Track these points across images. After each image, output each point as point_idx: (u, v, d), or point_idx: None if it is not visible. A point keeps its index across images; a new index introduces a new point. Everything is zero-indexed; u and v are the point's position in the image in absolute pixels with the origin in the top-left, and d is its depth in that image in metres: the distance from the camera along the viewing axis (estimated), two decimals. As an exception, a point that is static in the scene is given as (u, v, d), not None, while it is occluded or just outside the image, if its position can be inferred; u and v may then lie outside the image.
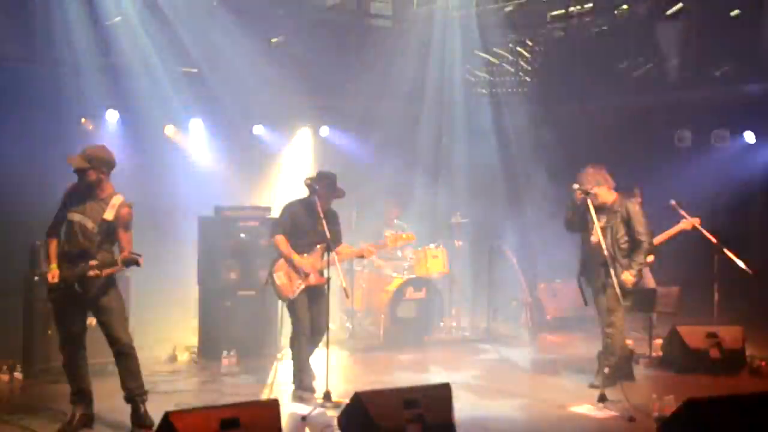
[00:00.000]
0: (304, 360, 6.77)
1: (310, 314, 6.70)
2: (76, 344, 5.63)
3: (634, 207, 6.97)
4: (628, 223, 6.88)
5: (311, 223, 6.65)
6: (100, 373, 6.79)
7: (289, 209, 6.86)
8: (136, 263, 5.36)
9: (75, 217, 5.50)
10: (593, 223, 6.73)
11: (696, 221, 8.36)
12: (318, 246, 6.68)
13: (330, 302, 6.49)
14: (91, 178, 5.47)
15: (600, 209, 6.91)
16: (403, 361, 8.18)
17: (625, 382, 6.65)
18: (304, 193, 6.83)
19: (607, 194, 6.95)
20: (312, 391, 6.63)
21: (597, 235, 6.76)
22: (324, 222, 6.46)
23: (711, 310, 8.10)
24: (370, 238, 9.42)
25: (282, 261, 6.73)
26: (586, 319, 8.25)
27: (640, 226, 6.86)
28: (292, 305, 6.72)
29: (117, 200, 5.50)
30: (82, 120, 9.87)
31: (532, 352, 8.61)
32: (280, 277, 6.70)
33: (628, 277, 6.81)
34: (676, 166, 10.17)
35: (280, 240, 6.72)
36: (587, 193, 6.77)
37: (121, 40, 9.63)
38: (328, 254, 6.33)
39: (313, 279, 6.68)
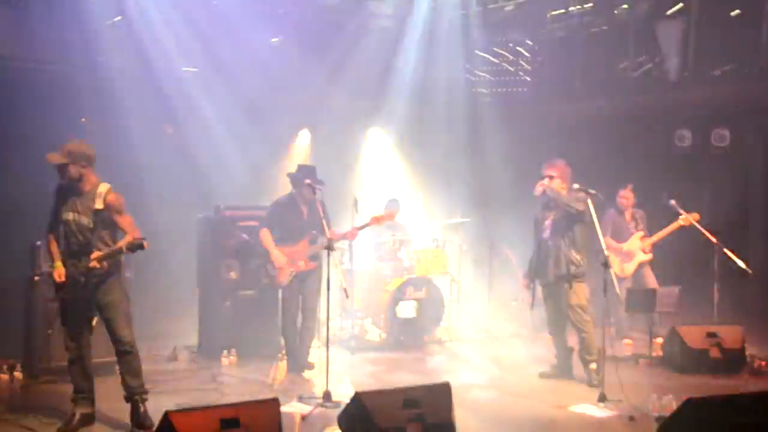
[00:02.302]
0: (292, 344, 7.40)
1: (301, 296, 7.34)
2: (81, 343, 5.62)
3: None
4: (570, 214, 6.96)
5: (296, 215, 7.30)
6: (100, 373, 6.80)
7: (276, 204, 7.49)
8: (141, 247, 5.29)
9: (69, 216, 5.48)
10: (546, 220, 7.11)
11: (695, 216, 8.39)
12: (306, 234, 7.30)
13: (330, 302, 6.51)
14: (72, 173, 5.45)
15: (549, 205, 7.14)
16: (403, 361, 8.18)
17: (566, 379, 7.13)
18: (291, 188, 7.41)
19: (561, 190, 7.09)
20: (305, 368, 7.31)
21: (547, 231, 7.08)
22: (306, 212, 7.20)
23: (711, 310, 8.10)
24: (370, 238, 9.45)
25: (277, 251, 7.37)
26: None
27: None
28: (284, 292, 7.37)
29: (103, 188, 5.48)
30: (82, 119, 9.87)
31: (532, 352, 8.59)
32: (272, 268, 7.32)
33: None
34: (675, 166, 10.17)
35: (264, 234, 7.42)
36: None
37: (121, 39, 9.63)
38: (329, 253, 6.38)
39: (302, 265, 7.31)
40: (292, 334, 7.42)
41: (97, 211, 5.44)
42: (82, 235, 5.46)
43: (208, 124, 10.70)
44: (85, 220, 5.46)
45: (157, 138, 10.03)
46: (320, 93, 10.95)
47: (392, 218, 8.00)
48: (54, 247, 5.56)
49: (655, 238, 8.87)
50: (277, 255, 7.29)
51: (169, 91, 9.86)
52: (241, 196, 9.54)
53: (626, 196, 9.01)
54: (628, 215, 9.05)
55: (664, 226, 8.80)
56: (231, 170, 10.68)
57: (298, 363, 7.38)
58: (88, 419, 5.61)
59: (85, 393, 5.64)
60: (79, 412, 5.57)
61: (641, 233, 8.94)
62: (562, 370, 7.27)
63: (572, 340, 7.28)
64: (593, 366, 6.98)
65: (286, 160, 11.16)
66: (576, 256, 6.99)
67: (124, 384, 5.58)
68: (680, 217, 8.49)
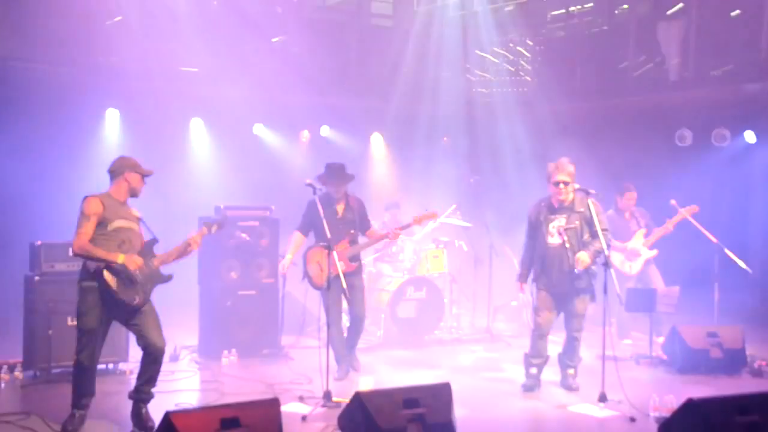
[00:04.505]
0: (337, 350, 7.08)
1: (347, 302, 6.86)
2: (101, 346, 5.67)
3: (597, 206, 6.74)
4: (590, 221, 6.69)
5: (329, 214, 6.98)
6: (99, 373, 6.79)
7: (307, 205, 7.23)
8: (219, 225, 5.94)
9: (122, 223, 5.58)
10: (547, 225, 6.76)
11: (693, 209, 8.38)
12: (345, 235, 7.16)
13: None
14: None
15: (560, 208, 6.79)
16: (403, 361, 8.18)
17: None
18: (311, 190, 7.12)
19: (570, 193, 6.78)
20: (355, 370, 7.20)
21: (557, 236, 6.72)
22: (341, 211, 7.13)
23: (711, 310, 8.11)
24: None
25: (311, 252, 7.23)
26: (587, 319, 8.26)
27: (603, 224, 6.65)
28: (324, 294, 6.95)
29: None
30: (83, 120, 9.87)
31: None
32: (312, 269, 7.16)
33: (585, 257, 6.56)
34: (676, 166, 10.17)
35: (292, 236, 7.30)
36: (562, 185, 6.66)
37: (121, 39, 9.63)
38: (329, 254, 6.37)
39: (342, 266, 6.74)
40: (339, 341, 7.18)
41: (138, 219, 5.70)
42: (131, 242, 5.60)
43: (209, 124, 10.72)
44: (136, 227, 5.66)
45: (157, 137, 10.03)
46: (321, 94, 10.95)
47: (434, 217, 7.55)
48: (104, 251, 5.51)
49: (653, 238, 8.82)
50: (289, 259, 7.21)
51: (172, 91, 9.86)
52: (240, 197, 9.54)
53: (633, 197, 8.94)
54: (627, 214, 9.02)
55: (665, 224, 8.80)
56: (230, 171, 10.70)
57: (345, 368, 7.19)
58: (84, 419, 5.63)
59: (93, 395, 5.67)
60: (79, 413, 5.58)
61: (644, 230, 8.90)
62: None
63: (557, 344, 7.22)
64: (571, 371, 6.96)
65: (287, 161, 11.17)
66: (593, 268, 6.72)
67: (137, 387, 5.60)
68: (680, 209, 8.45)
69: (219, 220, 5.92)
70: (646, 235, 8.88)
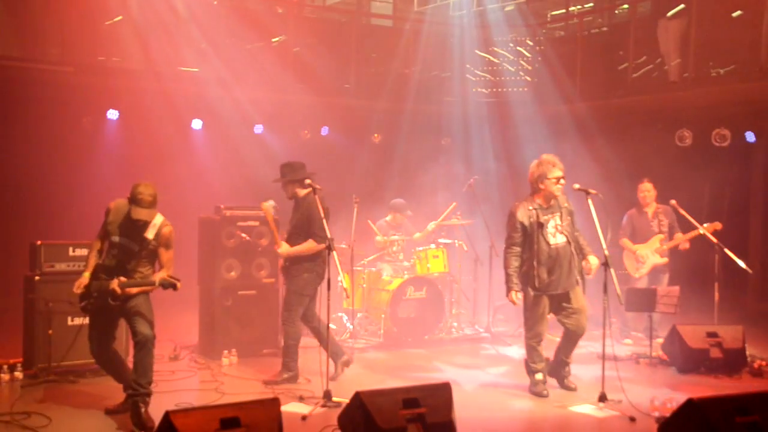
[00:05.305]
0: (331, 349, 6.92)
1: None
2: (103, 345, 5.87)
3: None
4: (572, 216, 6.76)
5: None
6: (99, 373, 6.80)
7: (307, 208, 7.17)
8: (174, 287, 5.65)
9: (117, 239, 5.73)
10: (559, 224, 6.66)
11: (717, 226, 8.24)
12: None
13: (331, 301, 6.51)
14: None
15: (549, 207, 6.69)
16: (403, 361, 8.18)
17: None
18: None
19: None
20: (337, 378, 6.96)
21: (559, 235, 6.61)
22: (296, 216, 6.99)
23: (711, 310, 8.11)
24: (370, 239, 9.47)
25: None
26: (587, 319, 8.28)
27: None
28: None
29: (158, 220, 5.76)
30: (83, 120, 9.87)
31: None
32: None
33: (596, 260, 6.58)
34: (676, 166, 10.17)
35: None
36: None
37: (122, 39, 9.64)
38: (328, 254, 6.37)
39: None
40: (333, 341, 7.10)
41: (146, 240, 5.70)
42: (125, 257, 5.71)
43: (210, 123, 10.71)
44: (136, 247, 5.71)
45: (158, 138, 10.04)
46: (321, 94, 10.95)
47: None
48: (93, 257, 5.83)
49: (670, 245, 8.73)
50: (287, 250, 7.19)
51: (172, 91, 9.86)
52: (241, 197, 9.54)
53: (646, 189, 8.82)
54: (650, 212, 8.84)
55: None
56: (231, 171, 10.69)
57: (340, 367, 7.09)
58: (133, 407, 5.66)
59: (124, 383, 5.88)
60: (130, 399, 5.76)
61: (661, 236, 8.72)
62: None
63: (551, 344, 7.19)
64: (568, 368, 6.95)
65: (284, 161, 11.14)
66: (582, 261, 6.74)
67: (132, 381, 5.63)
68: (703, 225, 8.33)
69: (174, 284, 5.71)
70: (666, 240, 8.72)
